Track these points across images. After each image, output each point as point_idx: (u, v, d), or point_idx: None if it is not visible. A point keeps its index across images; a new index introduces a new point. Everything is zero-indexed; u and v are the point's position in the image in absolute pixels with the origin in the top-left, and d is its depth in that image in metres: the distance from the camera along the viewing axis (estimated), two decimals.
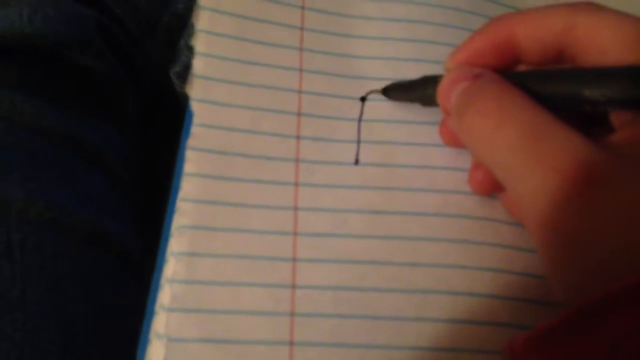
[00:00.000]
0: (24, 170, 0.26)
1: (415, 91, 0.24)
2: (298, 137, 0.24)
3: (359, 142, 0.24)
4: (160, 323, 0.20)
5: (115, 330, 0.27)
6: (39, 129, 0.27)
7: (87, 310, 0.26)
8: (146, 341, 0.21)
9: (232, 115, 0.24)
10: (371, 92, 0.25)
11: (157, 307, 0.21)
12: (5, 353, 0.23)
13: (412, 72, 0.25)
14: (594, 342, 0.14)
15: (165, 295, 0.21)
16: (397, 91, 0.25)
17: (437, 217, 0.23)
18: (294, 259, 0.21)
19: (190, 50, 0.32)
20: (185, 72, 0.34)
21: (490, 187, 0.23)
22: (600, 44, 0.19)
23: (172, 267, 0.21)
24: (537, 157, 0.17)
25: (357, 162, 0.24)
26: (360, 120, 0.25)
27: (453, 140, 0.24)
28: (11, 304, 0.24)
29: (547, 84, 0.20)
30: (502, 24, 0.21)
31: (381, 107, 0.25)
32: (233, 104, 0.24)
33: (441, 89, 0.22)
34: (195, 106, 0.24)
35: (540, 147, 0.17)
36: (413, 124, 0.25)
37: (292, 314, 0.20)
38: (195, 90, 0.24)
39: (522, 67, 0.22)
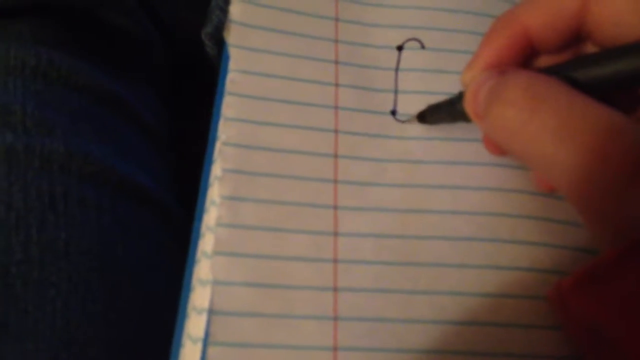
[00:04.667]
0: (64, 125, 0.27)
1: (455, 108, 0.23)
2: (337, 85, 0.24)
3: (396, 91, 0.24)
4: (204, 270, 0.21)
5: (157, 281, 0.28)
6: (76, 85, 0.28)
7: (128, 262, 0.27)
8: (188, 289, 0.22)
9: (270, 62, 0.24)
10: (407, 121, 0.24)
11: (199, 255, 0.22)
12: (52, 300, 0.24)
13: (448, 22, 0.25)
14: None
15: (207, 243, 0.21)
16: (434, 114, 0.24)
17: (476, 166, 0.23)
18: (335, 207, 0.22)
19: (222, 11, 0.33)
20: (217, 33, 0.34)
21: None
22: (614, 15, 0.19)
23: (216, 212, 0.21)
24: (576, 146, 0.17)
25: (394, 112, 0.24)
26: (397, 69, 0.25)
27: (498, 150, 0.23)
28: (56, 254, 0.25)
29: (578, 69, 0.19)
30: (511, 20, 0.21)
31: (418, 56, 0.25)
32: (270, 50, 0.24)
33: (468, 96, 0.21)
34: (232, 52, 0.24)
35: (578, 135, 0.17)
36: (451, 74, 0.25)
37: (336, 261, 0.21)
38: (233, 36, 0.24)
39: (542, 58, 0.22)
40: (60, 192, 0.26)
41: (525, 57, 0.21)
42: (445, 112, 0.23)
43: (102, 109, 0.29)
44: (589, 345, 0.18)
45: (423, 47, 0.25)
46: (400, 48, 0.25)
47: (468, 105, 0.21)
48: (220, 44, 0.32)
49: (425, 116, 0.24)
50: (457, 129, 0.24)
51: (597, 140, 0.16)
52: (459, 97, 0.22)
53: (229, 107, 0.23)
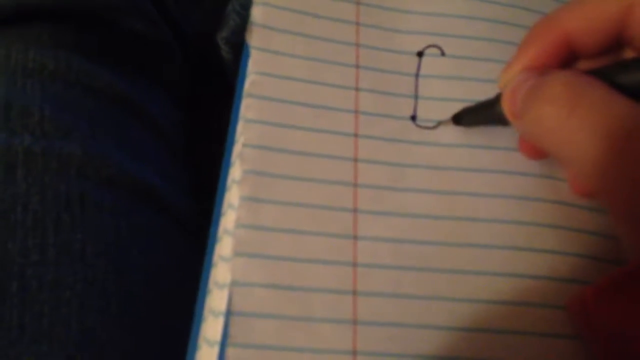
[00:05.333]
0: (82, 129, 0.27)
1: (494, 110, 0.22)
2: (357, 89, 0.24)
3: (416, 97, 0.24)
4: (221, 273, 0.21)
5: (172, 284, 0.28)
6: (94, 89, 0.28)
7: (144, 265, 0.27)
8: (205, 293, 0.22)
9: (291, 65, 0.24)
10: (440, 123, 0.24)
11: (216, 259, 0.22)
12: (67, 302, 0.24)
13: (467, 30, 0.25)
14: None
15: (224, 246, 0.21)
16: (470, 116, 0.24)
17: (494, 174, 0.23)
18: (355, 210, 0.22)
19: (238, 15, 0.33)
20: (233, 37, 0.34)
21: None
22: None
23: (234, 215, 0.21)
24: (613, 145, 0.16)
25: (414, 117, 0.24)
26: (417, 75, 0.25)
27: (533, 153, 0.23)
28: (72, 256, 0.25)
29: (619, 73, 0.19)
30: (552, 24, 0.21)
31: (438, 62, 0.25)
32: (292, 53, 0.24)
33: (506, 95, 0.21)
34: (254, 54, 0.24)
35: (616, 130, 0.17)
36: (470, 81, 0.25)
37: (355, 265, 0.21)
38: (255, 38, 0.24)
39: (581, 62, 0.22)
40: (76, 195, 0.26)
41: (564, 62, 0.21)
42: (481, 114, 0.23)
43: (120, 113, 0.29)
44: (610, 356, 0.18)
45: (443, 54, 0.25)
46: (420, 54, 0.25)
47: (505, 105, 0.21)
48: (236, 48, 0.32)
49: (461, 118, 0.24)
50: (478, 136, 0.24)
51: (634, 140, 0.16)
52: (497, 98, 0.22)
53: (250, 109, 0.23)
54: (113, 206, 0.27)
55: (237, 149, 0.23)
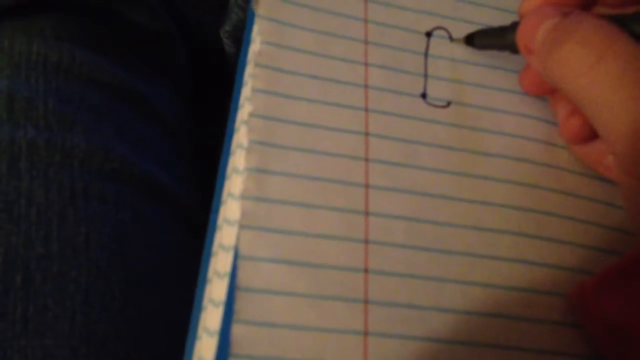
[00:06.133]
0: (85, 122, 0.27)
1: (505, 37, 0.23)
2: (366, 64, 0.23)
3: (426, 76, 0.24)
4: (220, 262, 0.20)
5: (175, 277, 0.28)
6: (98, 82, 0.28)
7: (148, 258, 0.27)
8: (204, 282, 0.22)
9: (300, 37, 0.23)
10: (454, 40, 0.24)
11: (216, 248, 0.21)
12: (71, 295, 0.24)
13: (474, 15, 0.25)
14: None
15: (224, 236, 0.21)
16: (482, 38, 0.24)
17: (500, 159, 0.23)
18: (367, 185, 0.21)
19: (241, 9, 0.33)
20: (235, 31, 0.34)
21: (587, 136, 0.22)
22: None
23: (241, 184, 0.20)
24: (637, 89, 0.17)
25: (424, 95, 0.24)
26: (426, 55, 0.25)
27: (535, 87, 0.23)
28: (76, 249, 0.25)
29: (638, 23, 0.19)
30: None
31: (447, 44, 0.25)
32: (300, 25, 0.24)
33: (524, 27, 0.21)
34: (261, 23, 0.23)
35: None
36: (479, 66, 0.25)
37: (366, 241, 0.20)
38: (262, 7, 0.23)
39: (599, 8, 0.22)
40: (80, 188, 0.26)
41: (584, 4, 0.21)
42: (494, 39, 0.23)
43: (123, 105, 0.29)
44: (610, 346, 0.18)
45: (451, 38, 0.25)
46: (429, 34, 0.25)
47: (522, 37, 0.21)
48: (239, 43, 0.32)
49: (474, 39, 0.24)
50: (484, 119, 0.24)
51: None
52: (512, 26, 0.22)
53: (257, 79, 0.22)
54: (117, 199, 0.26)
55: (240, 115, 0.22)
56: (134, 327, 0.25)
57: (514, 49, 0.22)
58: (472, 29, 0.25)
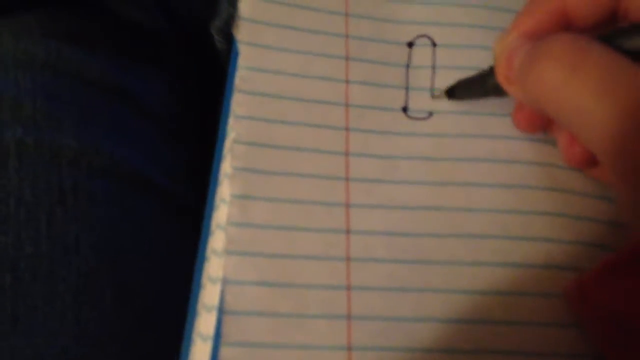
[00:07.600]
0: (74, 119, 0.26)
1: (486, 82, 0.22)
2: (347, 82, 0.24)
3: (407, 88, 0.24)
4: (213, 267, 0.21)
5: (167, 275, 0.28)
6: (85, 79, 0.28)
7: (139, 256, 0.27)
8: (198, 287, 0.22)
9: (281, 59, 0.24)
10: (435, 96, 0.24)
11: (209, 253, 0.21)
12: (61, 294, 0.24)
13: (458, 16, 0.25)
14: None
15: (217, 240, 0.21)
16: (463, 89, 0.24)
17: (488, 163, 0.23)
18: (347, 204, 0.22)
19: (231, 4, 0.33)
20: (226, 27, 0.34)
21: (593, 159, 0.22)
22: None
23: (226, 211, 0.21)
24: (616, 100, 0.17)
25: (405, 109, 0.24)
26: (408, 66, 0.25)
27: (529, 124, 0.23)
28: (66, 248, 0.25)
29: (615, 39, 0.19)
30: None
31: (429, 52, 0.25)
32: (281, 47, 0.24)
33: (502, 61, 0.21)
34: (242, 49, 0.24)
35: (620, 90, 0.17)
36: (461, 70, 0.25)
37: (348, 259, 0.21)
38: (242, 33, 0.24)
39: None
40: (69, 186, 0.25)
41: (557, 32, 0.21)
42: (475, 86, 0.23)
43: (112, 102, 0.29)
44: (609, 340, 0.18)
45: (434, 44, 0.25)
46: (410, 45, 0.25)
47: (501, 71, 0.21)
48: (230, 39, 0.32)
49: (455, 91, 0.24)
50: (470, 125, 0.24)
51: (637, 96, 0.16)
52: (491, 70, 0.22)
53: (239, 105, 0.23)
54: (106, 196, 0.26)
55: (228, 143, 0.22)
56: (125, 327, 0.25)
57: (497, 91, 0.22)
58: (456, 32, 0.25)
